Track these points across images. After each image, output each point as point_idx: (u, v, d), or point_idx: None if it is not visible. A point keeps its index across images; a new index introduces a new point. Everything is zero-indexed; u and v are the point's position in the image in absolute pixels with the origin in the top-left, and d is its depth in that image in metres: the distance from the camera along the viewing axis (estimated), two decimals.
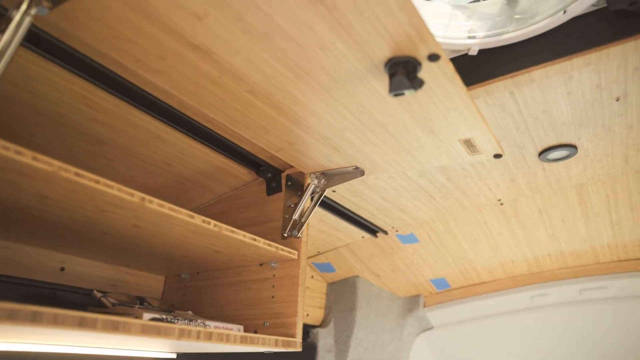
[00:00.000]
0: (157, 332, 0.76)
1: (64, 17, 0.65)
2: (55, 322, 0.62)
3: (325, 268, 2.03)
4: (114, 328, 0.69)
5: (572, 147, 1.30)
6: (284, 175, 1.19)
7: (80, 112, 0.97)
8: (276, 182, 1.20)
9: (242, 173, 1.23)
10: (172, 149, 1.11)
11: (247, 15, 0.61)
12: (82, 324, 0.65)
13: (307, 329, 2.00)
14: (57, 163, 0.66)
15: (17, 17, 0.59)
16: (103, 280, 1.21)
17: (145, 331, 0.74)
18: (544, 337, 2.01)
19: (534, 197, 1.64)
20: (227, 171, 1.22)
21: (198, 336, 0.82)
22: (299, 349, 1.05)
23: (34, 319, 0.59)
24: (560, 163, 1.40)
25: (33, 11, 0.60)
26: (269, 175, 1.20)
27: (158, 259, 1.16)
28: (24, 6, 0.58)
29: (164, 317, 0.89)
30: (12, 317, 0.57)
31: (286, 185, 1.18)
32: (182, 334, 0.80)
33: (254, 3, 0.59)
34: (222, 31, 0.64)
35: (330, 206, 1.53)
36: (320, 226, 1.66)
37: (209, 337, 0.85)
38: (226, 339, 0.88)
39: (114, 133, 1.04)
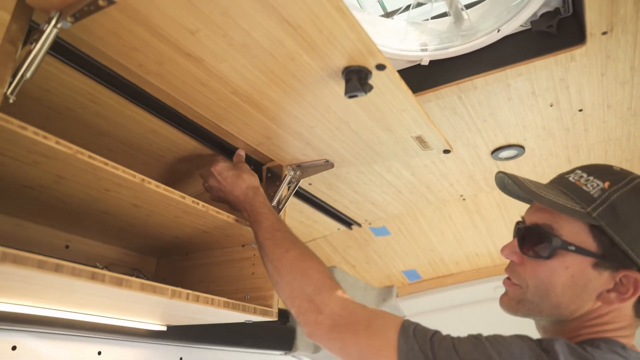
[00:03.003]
0: (153, 290, 0.91)
1: (82, 29, 0.81)
2: (74, 273, 0.77)
3: None
4: (119, 283, 0.84)
5: (520, 147, 1.47)
6: (264, 167, 1.35)
7: (86, 107, 1.12)
8: (258, 174, 1.35)
9: None
10: (165, 142, 1.27)
11: (230, 32, 0.77)
12: (94, 277, 0.79)
13: (287, 314, 2.15)
14: (74, 147, 0.81)
15: (48, 29, 0.74)
16: (103, 258, 1.35)
17: (143, 288, 0.88)
18: (505, 325, 2.17)
19: (492, 193, 1.81)
20: (212, 163, 1.37)
21: (187, 297, 0.98)
22: (275, 318, 1.20)
23: (57, 269, 0.74)
24: (512, 161, 1.58)
25: (59, 25, 0.75)
26: (251, 167, 1.36)
27: (152, 240, 1.31)
28: (53, 21, 0.74)
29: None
30: (40, 266, 0.72)
31: (266, 176, 1.34)
32: (174, 294, 0.95)
33: (235, 22, 0.75)
34: (210, 43, 0.80)
35: (307, 198, 1.69)
36: (299, 217, 1.82)
37: (197, 299, 1.00)
38: (211, 302, 1.03)
39: (114, 127, 1.19)
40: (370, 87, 0.85)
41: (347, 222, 1.93)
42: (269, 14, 0.72)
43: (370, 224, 1.97)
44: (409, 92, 0.92)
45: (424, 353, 0.73)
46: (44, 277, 0.76)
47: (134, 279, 0.87)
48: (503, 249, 0.89)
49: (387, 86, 0.90)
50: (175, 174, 1.41)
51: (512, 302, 0.87)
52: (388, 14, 1.34)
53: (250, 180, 1.15)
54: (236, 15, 0.73)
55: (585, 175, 0.82)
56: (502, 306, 0.90)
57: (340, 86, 0.91)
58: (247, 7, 0.72)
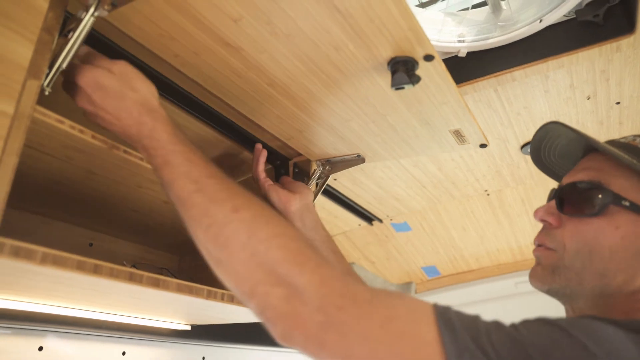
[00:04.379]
0: (190, 291, 0.88)
1: (118, 18, 0.77)
2: (112, 274, 0.74)
3: None
4: (156, 284, 0.81)
5: None
6: (291, 162, 1.31)
7: None
8: (284, 170, 1.32)
9: (252, 160, 1.35)
10: (192, 136, 1.23)
11: (275, 19, 0.73)
12: (131, 278, 0.77)
13: None
14: (110, 141, 0.78)
15: (86, 17, 0.70)
16: (126, 256, 1.32)
17: (180, 289, 0.86)
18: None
19: (517, 188, 1.77)
20: (239, 158, 1.34)
21: (222, 297, 0.95)
22: None
23: (96, 270, 0.71)
24: None
25: (97, 13, 0.72)
26: (278, 162, 1.32)
27: (177, 237, 1.28)
28: (92, 9, 0.70)
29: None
30: (80, 267, 0.69)
31: (293, 172, 1.30)
32: (210, 295, 0.92)
33: (282, 9, 0.71)
34: (253, 32, 0.76)
35: (330, 193, 1.66)
36: (320, 213, 1.78)
37: (232, 299, 0.97)
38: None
39: None
40: (418, 79, 0.81)
41: (368, 217, 1.89)
42: (319, 0, 0.69)
43: (391, 219, 1.94)
44: (453, 84, 0.88)
45: (485, 354, 0.48)
46: (82, 278, 0.73)
47: (170, 279, 0.84)
48: (537, 211, 0.75)
49: (433, 78, 0.86)
50: None
51: (546, 272, 0.71)
52: (423, 4, 1.30)
53: (144, 92, 0.76)
54: (283, 1, 0.70)
55: (638, 138, 0.72)
56: (534, 279, 0.74)
57: (382, 77, 0.87)
58: None
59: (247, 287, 0.60)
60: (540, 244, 0.74)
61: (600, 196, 0.67)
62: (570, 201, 0.71)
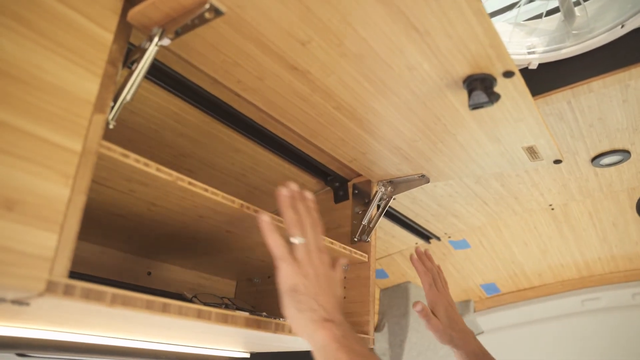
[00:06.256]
0: (258, 326, 0.84)
1: (180, 46, 0.75)
2: (180, 312, 0.70)
3: (379, 274, 2.10)
4: (224, 320, 0.77)
5: (626, 152, 1.34)
6: (350, 184, 1.27)
7: (170, 127, 1.07)
8: (343, 191, 1.27)
9: (311, 183, 1.31)
10: (248, 160, 1.20)
11: (346, 41, 0.69)
12: (200, 315, 0.73)
13: None
14: (175, 173, 0.75)
15: (150, 47, 0.68)
16: (183, 284, 1.30)
17: (248, 324, 0.82)
18: (595, 341, 2.02)
19: (584, 202, 1.68)
20: (296, 181, 1.30)
21: (290, 331, 0.90)
22: (372, 346, 1.12)
23: (165, 309, 0.68)
24: (612, 168, 1.44)
25: (160, 42, 0.69)
26: (337, 184, 1.28)
27: (235, 264, 1.25)
28: (156, 39, 0.67)
29: (258, 313, 0.97)
30: (149, 307, 0.66)
31: (353, 193, 1.25)
32: (278, 328, 0.88)
33: (354, 30, 0.67)
34: (322, 55, 0.72)
35: (388, 213, 1.60)
36: (377, 233, 1.73)
37: None
38: None
39: (197, 146, 1.14)
40: (498, 97, 0.75)
41: (426, 236, 1.83)
42: (394, 19, 0.64)
43: (449, 237, 1.87)
44: (532, 101, 0.82)
45: None
46: (149, 318, 0.70)
47: (238, 314, 0.80)
48: None
49: (511, 95, 0.80)
50: (254, 193, 1.35)
51: None
52: (490, 14, 1.24)
53: (340, 289, 0.83)
54: (356, 22, 0.65)
55: None
56: None
57: (456, 96, 0.82)
58: (371, 12, 0.64)
59: None
60: None
61: None
62: None
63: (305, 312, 0.75)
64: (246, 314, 0.82)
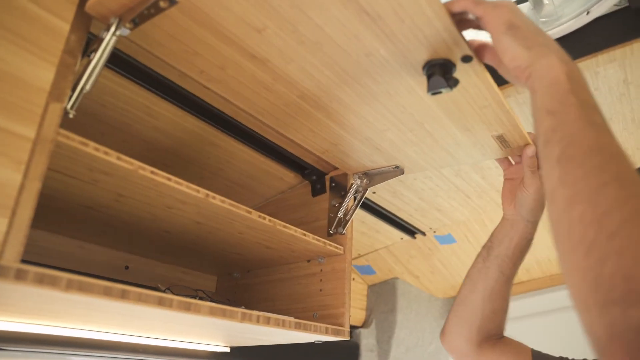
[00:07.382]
0: (223, 314, 0.84)
1: (139, 36, 0.75)
2: (140, 299, 0.71)
3: (366, 270, 2.10)
4: (187, 308, 0.77)
5: None
6: (327, 177, 1.27)
7: (142, 121, 1.07)
8: (320, 184, 1.28)
9: (288, 176, 1.32)
10: (224, 154, 1.21)
11: (301, 27, 0.70)
12: (161, 303, 0.73)
13: (350, 329, 2.06)
14: (136, 162, 0.75)
15: (107, 37, 0.69)
16: (162, 278, 1.31)
17: (212, 312, 0.82)
18: (584, 336, 2.01)
19: None
20: (274, 175, 1.31)
21: (258, 320, 0.91)
22: (347, 338, 1.13)
23: (123, 295, 0.68)
24: None
25: (118, 32, 0.70)
26: (314, 177, 1.28)
27: (213, 257, 1.26)
28: (113, 28, 0.68)
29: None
30: (107, 293, 0.66)
31: (330, 186, 1.26)
32: (244, 317, 0.88)
33: (307, 16, 0.67)
34: (279, 42, 0.73)
35: (370, 208, 1.61)
36: (361, 228, 1.74)
37: (267, 321, 0.93)
38: (282, 324, 0.96)
39: (171, 140, 1.14)
40: (457, 82, 0.75)
41: (411, 231, 1.83)
42: (345, 4, 0.65)
43: (435, 232, 1.87)
44: (495, 86, 0.82)
45: None
46: (109, 304, 0.70)
47: (202, 302, 0.80)
48: None
49: (472, 80, 0.80)
50: (233, 188, 1.35)
51: None
52: None
53: None
54: (308, 8, 0.66)
55: None
56: None
57: (418, 83, 0.82)
58: None
59: (598, 281, 0.44)
60: None
61: None
62: None
63: (535, 49, 0.65)
64: (210, 303, 0.82)
